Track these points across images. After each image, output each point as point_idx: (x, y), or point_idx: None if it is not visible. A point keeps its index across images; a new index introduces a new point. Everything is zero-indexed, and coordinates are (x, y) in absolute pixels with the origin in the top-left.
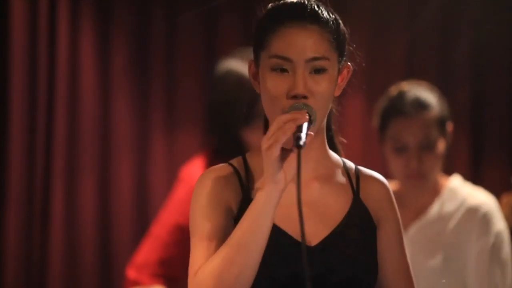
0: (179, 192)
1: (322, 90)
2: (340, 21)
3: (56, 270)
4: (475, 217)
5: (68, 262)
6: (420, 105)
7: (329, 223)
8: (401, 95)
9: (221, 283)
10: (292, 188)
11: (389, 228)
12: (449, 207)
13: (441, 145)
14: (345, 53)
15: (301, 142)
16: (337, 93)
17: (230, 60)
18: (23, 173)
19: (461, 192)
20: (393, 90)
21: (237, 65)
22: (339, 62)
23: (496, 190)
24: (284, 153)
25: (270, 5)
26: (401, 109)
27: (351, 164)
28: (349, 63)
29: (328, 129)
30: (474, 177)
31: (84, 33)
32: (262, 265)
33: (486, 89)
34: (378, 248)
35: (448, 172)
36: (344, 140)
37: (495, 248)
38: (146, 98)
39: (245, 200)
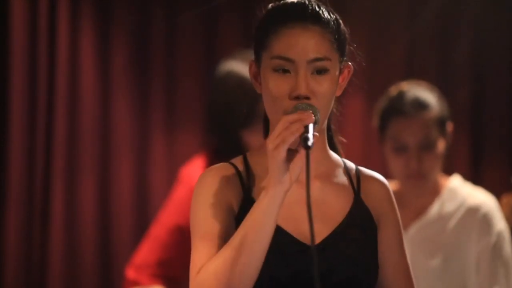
0: (179, 193)
1: (324, 90)
2: (341, 21)
3: (56, 270)
4: (475, 217)
5: (68, 262)
6: (420, 105)
7: (330, 223)
8: (401, 95)
9: (223, 283)
10: (294, 187)
11: (389, 228)
12: (449, 207)
13: (441, 145)
14: (346, 53)
15: (310, 143)
16: (339, 93)
17: (231, 61)
18: (23, 173)
19: (461, 192)
20: (393, 90)
21: (238, 66)
22: (340, 62)
23: (496, 190)
24: (289, 153)
25: (270, 5)
26: (401, 109)
27: (351, 164)
28: (349, 63)
29: (328, 129)
30: (474, 177)
31: (84, 33)
32: (263, 264)
33: (486, 89)
34: (378, 248)
35: (448, 172)
36: (344, 140)
37: (497, 248)
38: (146, 98)
39: (246, 199)
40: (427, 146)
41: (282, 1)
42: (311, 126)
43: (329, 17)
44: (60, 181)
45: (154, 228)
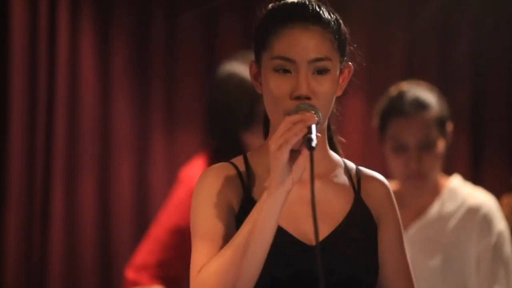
0: (179, 194)
1: (325, 90)
2: (341, 21)
3: (56, 270)
4: (475, 217)
5: (68, 262)
6: (420, 105)
7: (330, 222)
8: (400, 95)
9: (224, 283)
10: (295, 187)
11: (389, 228)
12: (449, 207)
13: (441, 145)
14: (346, 53)
15: (313, 144)
16: (339, 93)
17: (232, 63)
18: (23, 173)
19: (461, 192)
20: (393, 90)
21: (239, 68)
22: (341, 62)
23: (496, 190)
24: (291, 154)
25: (270, 5)
26: (400, 109)
27: (351, 164)
28: (350, 63)
29: (328, 129)
30: (474, 177)
31: (84, 33)
32: (264, 264)
33: (486, 89)
34: (379, 248)
35: (448, 172)
36: (343, 140)
37: (497, 248)
38: (146, 98)
39: (247, 198)
40: (427, 146)
41: (282, 1)
42: (314, 127)
43: (329, 17)
44: (60, 181)
45: (154, 228)
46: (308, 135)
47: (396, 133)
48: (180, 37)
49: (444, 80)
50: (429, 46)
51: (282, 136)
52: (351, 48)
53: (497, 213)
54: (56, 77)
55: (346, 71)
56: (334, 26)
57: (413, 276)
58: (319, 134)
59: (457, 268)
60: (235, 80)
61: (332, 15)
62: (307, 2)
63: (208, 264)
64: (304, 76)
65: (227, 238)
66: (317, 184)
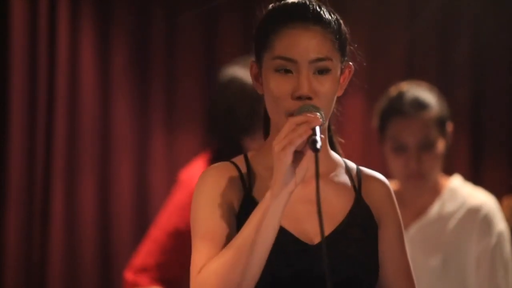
0: (179, 196)
1: (326, 90)
2: (341, 21)
3: (56, 270)
4: (476, 217)
5: (68, 262)
6: (420, 105)
7: (331, 222)
8: (400, 95)
9: (225, 283)
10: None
11: (390, 228)
12: (450, 207)
13: (440, 145)
14: (347, 53)
15: (318, 146)
16: (340, 93)
17: (233, 67)
18: (23, 173)
19: (462, 192)
20: (393, 90)
21: (241, 72)
22: (341, 62)
23: (496, 190)
24: (295, 155)
25: (271, 5)
26: (400, 109)
27: (352, 164)
28: (350, 63)
29: (328, 129)
30: (474, 177)
31: (84, 33)
32: (265, 264)
33: (486, 89)
34: (379, 248)
35: (448, 172)
36: (342, 140)
37: (497, 248)
38: (146, 98)
39: (247, 198)
40: (427, 146)
41: (283, 1)
42: (318, 129)
43: (330, 17)
44: (60, 181)
45: (153, 230)
46: (313, 137)
47: (396, 133)
48: (180, 37)
49: (444, 80)
50: (429, 46)
51: (286, 137)
52: (352, 48)
53: (498, 213)
54: (56, 77)
55: (346, 71)
56: (335, 26)
57: (414, 276)
58: (323, 136)
59: (457, 268)
60: (237, 85)
61: (332, 15)
62: (307, 2)
63: (208, 264)
64: (305, 76)
65: (227, 238)
66: None
